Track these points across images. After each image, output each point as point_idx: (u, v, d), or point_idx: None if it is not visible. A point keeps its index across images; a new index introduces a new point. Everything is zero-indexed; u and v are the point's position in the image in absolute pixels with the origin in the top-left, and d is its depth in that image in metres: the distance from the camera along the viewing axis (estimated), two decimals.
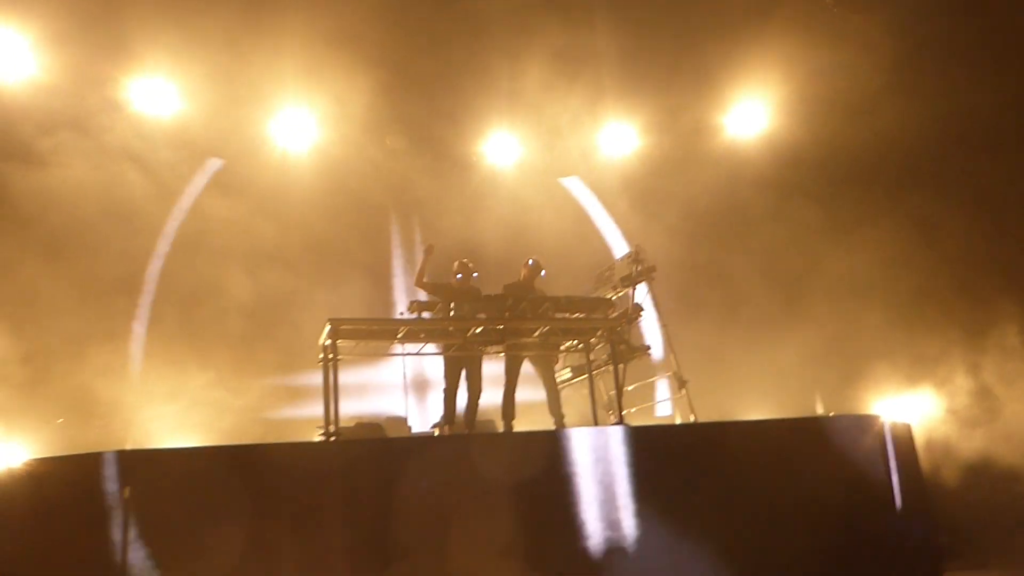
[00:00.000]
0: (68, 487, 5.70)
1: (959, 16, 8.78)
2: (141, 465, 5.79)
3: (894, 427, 7.80)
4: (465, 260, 8.20)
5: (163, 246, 10.13)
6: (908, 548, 7.29)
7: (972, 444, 8.42)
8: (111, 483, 5.62)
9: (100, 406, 8.50)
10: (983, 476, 8.23)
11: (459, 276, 8.04)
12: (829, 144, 9.96)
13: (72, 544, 5.54)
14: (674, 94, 11.60)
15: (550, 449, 6.54)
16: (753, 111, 11.65)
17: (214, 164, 10.63)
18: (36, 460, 6.10)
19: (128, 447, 7.91)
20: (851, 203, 9.50)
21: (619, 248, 11.70)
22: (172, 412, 8.88)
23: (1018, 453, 8.13)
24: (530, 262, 8.30)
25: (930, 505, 7.83)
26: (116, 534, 5.49)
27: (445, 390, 7.86)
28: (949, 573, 7.61)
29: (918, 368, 8.83)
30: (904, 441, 7.87)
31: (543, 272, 8.31)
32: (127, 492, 5.63)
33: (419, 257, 8.32)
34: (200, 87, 10.20)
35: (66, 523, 5.61)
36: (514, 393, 7.98)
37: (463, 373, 7.81)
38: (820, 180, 9.98)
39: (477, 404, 7.80)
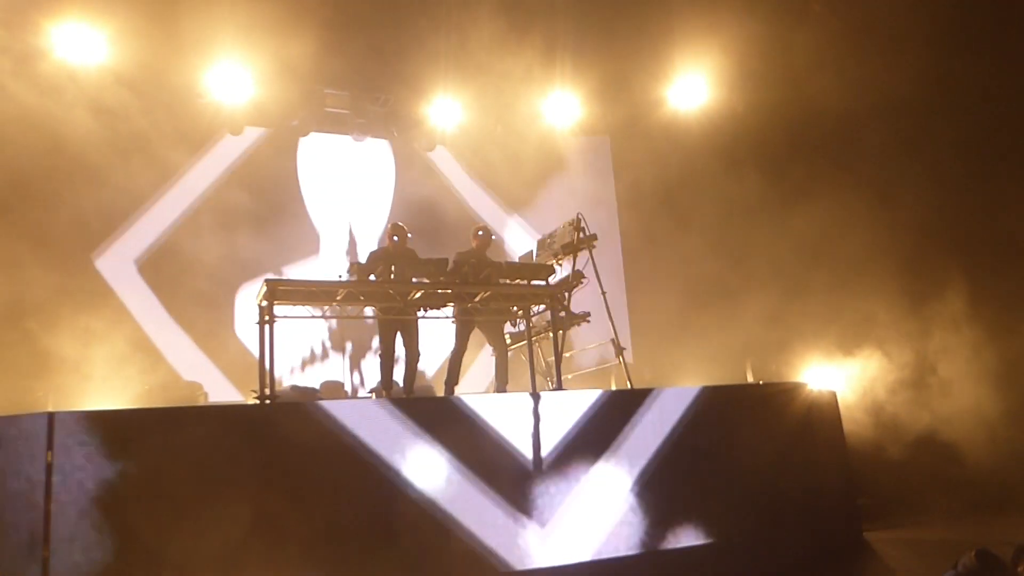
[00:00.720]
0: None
1: None
2: (72, 427, 5.57)
3: (819, 394, 8.11)
4: (398, 222, 8.12)
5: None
6: (827, 509, 7.65)
7: (898, 411, 8.79)
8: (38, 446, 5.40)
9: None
10: (905, 441, 8.61)
11: (394, 238, 7.93)
12: (770, 117, 10.11)
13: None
14: (617, 65, 11.62)
15: (491, 413, 6.58)
16: (695, 84, 11.79)
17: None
18: None
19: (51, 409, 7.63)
20: (795, 173, 9.66)
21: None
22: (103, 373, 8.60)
23: (941, 420, 8.53)
24: (479, 232, 8.26)
25: (850, 469, 8.17)
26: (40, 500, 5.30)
27: (381, 355, 7.80)
28: (867, 532, 8.00)
29: (852, 336, 9.13)
30: (828, 408, 8.19)
31: (493, 238, 8.30)
32: (50, 456, 5.43)
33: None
34: (130, 37, 9.73)
35: None
36: (461, 359, 7.99)
37: (398, 337, 7.78)
38: (763, 152, 10.14)
39: (415, 369, 7.78)
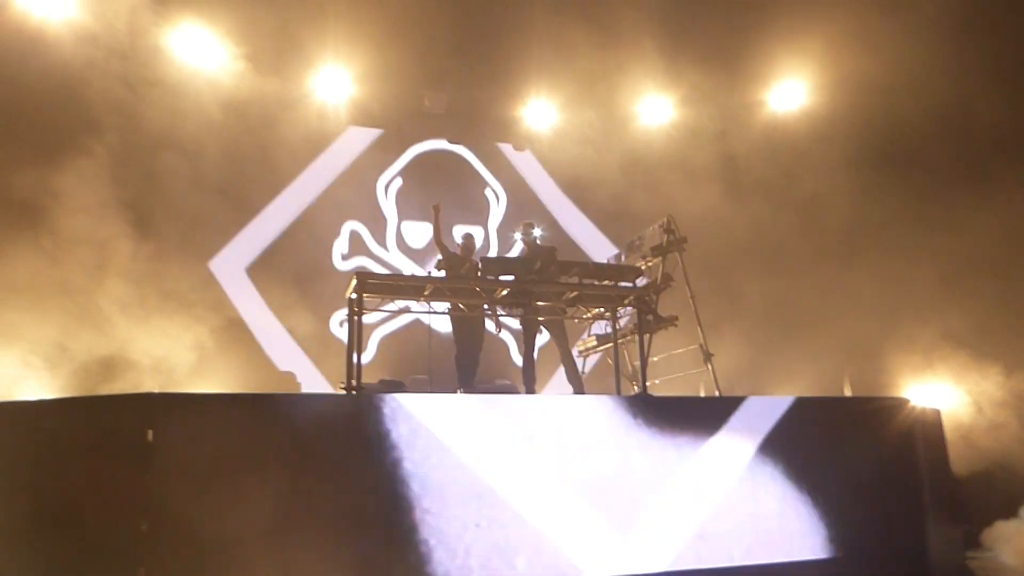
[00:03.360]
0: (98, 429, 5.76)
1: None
2: (168, 409, 5.84)
3: (923, 412, 7.66)
4: (470, 233, 8.38)
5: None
6: (929, 533, 7.21)
7: (996, 435, 8.24)
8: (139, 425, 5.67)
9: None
10: (1002, 468, 8.06)
11: (462, 246, 8.24)
12: (871, 123, 9.69)
13: (104, 485, 5.61)
14: (715, 69, 11.39)
15: (571, 414, 6.51)
16: (793, 89, 11.51)
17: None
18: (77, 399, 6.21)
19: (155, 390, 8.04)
20: (893, 182, 9.23)
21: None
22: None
23: None
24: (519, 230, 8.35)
25: (955, 492, 7.69)
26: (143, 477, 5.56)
27: (457, 355, 7.87)
28: (971, 559, 7.52)
29: (962, 352, 8.62)
30: (932, 426, 7.73)
31: (536, 232, 8.34)
32: (151, 435, 5.69)
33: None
34: (240, 38, 10.17)
35: (100, 464, 5.67)
36: (533, 358, 7.98)
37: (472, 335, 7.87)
38: (863, 158, 9.73)
39: (477, 359, 7.89)
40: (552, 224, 11.89)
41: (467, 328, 7.88)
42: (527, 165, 12.41)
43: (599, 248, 12.10)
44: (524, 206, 11.92)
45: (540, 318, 7.97)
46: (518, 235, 8.39)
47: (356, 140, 11.57)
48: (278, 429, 5.77)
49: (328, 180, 11.29)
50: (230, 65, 10.01)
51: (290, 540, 5.49)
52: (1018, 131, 8.65)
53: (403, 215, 11.54)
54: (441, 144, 12.03)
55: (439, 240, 8.13)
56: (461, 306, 7.61)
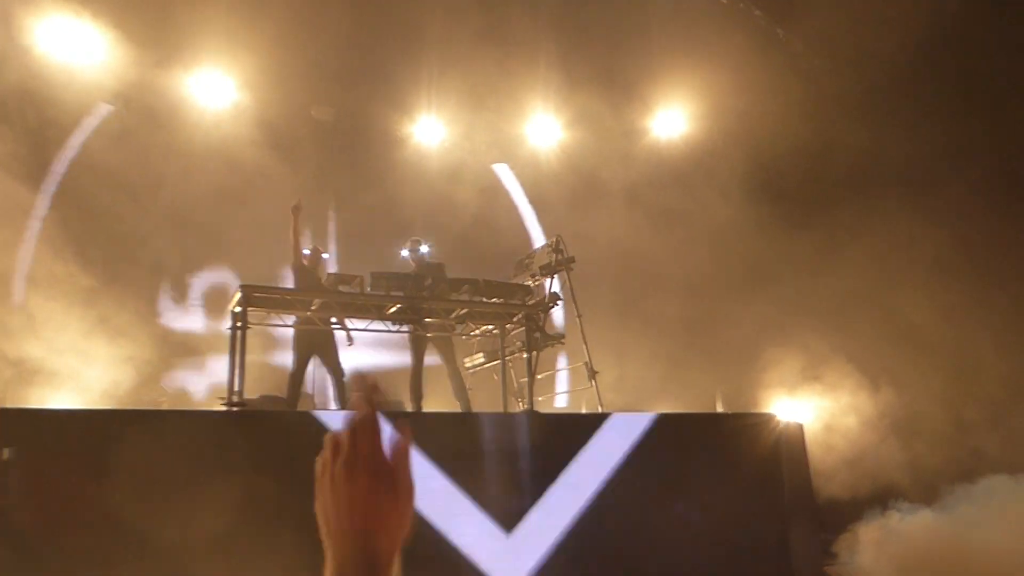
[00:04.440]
0: None
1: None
2: (23, 425, 5.45)
3: (787, 427, 8.17)
4: (316, 245, 8.17)
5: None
6: (794, 545, 7.67)
7: (858, 443, 8.86)
8: None
9: None
10: (863, 475, 8.67)
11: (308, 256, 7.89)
12: (746, 153, 10.28)
13: None
14: (601, 93, 11.77)
15: (460, 431, 6.54)
16: (675, 117, 12.06)
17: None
18: None
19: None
20: (770, 208, 9.80)
21: (539, 238, 11.85)
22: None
23: (895, 453, 8.62)
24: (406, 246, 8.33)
25: (816, 505, 8.22)
26: None
27: (292, 373, 7.50)
28: (829, 568, 8.03)
29: (820, 368, 9.22)
30: (795, 441, 8.25)
31: (423, 249, 8.32)
32: (6, 453, 5.32)
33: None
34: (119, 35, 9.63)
35: None
36: (420, 374, 7.96)
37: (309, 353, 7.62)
38: (741, 182, 10.29)
39: (343, 382, 7.64)
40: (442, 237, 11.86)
41: (303, 342, 7.65)
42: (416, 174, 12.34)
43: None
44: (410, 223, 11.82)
45: (428, 334, 7.96)
46: (405, 252, 8.36)
47: None
48: (133, 446, 5.49)
49: None
50: (106, 60, 9.46)
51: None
52: (886, 159, 9.35)
53: None
54: None
55: (295, 244, 7.73)
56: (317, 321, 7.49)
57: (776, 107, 9.51)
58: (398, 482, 1.03)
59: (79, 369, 8.18)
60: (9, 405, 7.34)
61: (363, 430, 1.04)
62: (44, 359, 7.98)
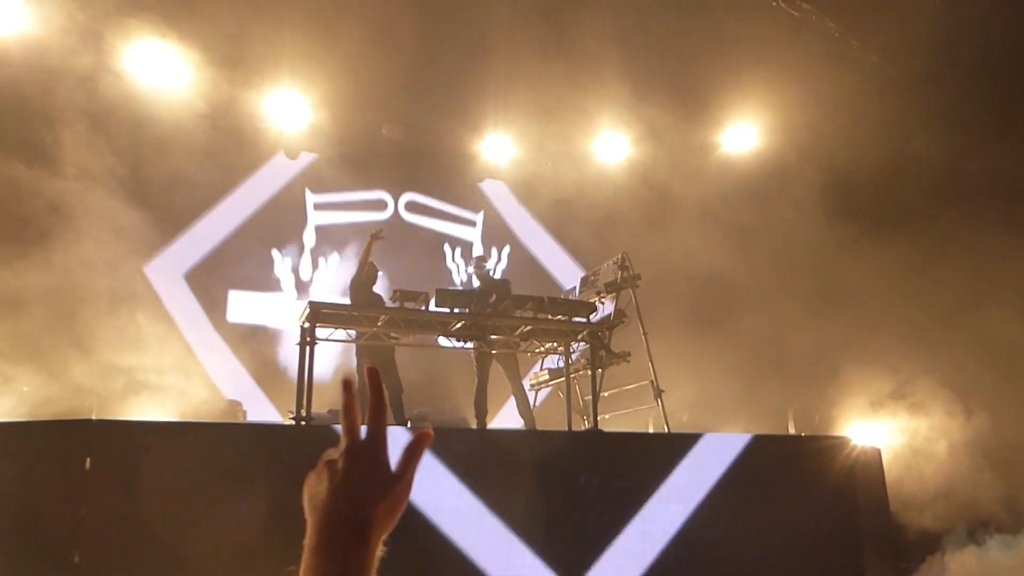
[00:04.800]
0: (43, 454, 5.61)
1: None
2: (107, 436, 5.71)
3: (864, 452, 7.87)
4: (372, 262, 8.19)
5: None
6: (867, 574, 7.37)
7: (937, 472, 8.45)
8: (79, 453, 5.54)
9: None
10: (950, 504, 8.27)
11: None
12: (821, 168, 10.00)
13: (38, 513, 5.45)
14: (671, 107, 11.64)
15: (524, 449, 6.54)
16: (746, 132, 11.82)
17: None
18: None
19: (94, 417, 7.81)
20: (847, 224, 9.50)
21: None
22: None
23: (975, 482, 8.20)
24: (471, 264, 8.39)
25: (894, 533, 7.88)
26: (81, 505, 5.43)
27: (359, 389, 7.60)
28: None
29: (906, 389, 8.84)
30: (873, 466, 7.94)
31: (487, 268, 8.35)
32: (88, 464, 5.57)
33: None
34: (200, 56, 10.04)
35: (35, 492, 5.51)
36: (485, 391, 7.98)
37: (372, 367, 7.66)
38: (814, 200, 10.01)
39: (400, 400, 7.70)
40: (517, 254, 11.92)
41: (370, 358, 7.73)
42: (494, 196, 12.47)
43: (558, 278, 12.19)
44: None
45: (493, 351, 7.99)
46: (471, 270, 8.42)
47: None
48: (218, 458, 5.68)
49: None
50: (190, 82, 9.89)
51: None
52: (971, 173, 8.97)
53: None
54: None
55: (364, 263, 7.92)
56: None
57: (851, 121, 9.23)
58: (401, 471, 1.04)
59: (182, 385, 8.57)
60: (110, 417, 7.71)
61: (370, 413, 1.06)
62: (149, 374, 8.40)
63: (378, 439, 1.05)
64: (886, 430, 8.84)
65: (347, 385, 1.07)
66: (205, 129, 10.04)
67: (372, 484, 1.02)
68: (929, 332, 8.57)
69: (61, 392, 8.20)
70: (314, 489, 1.02)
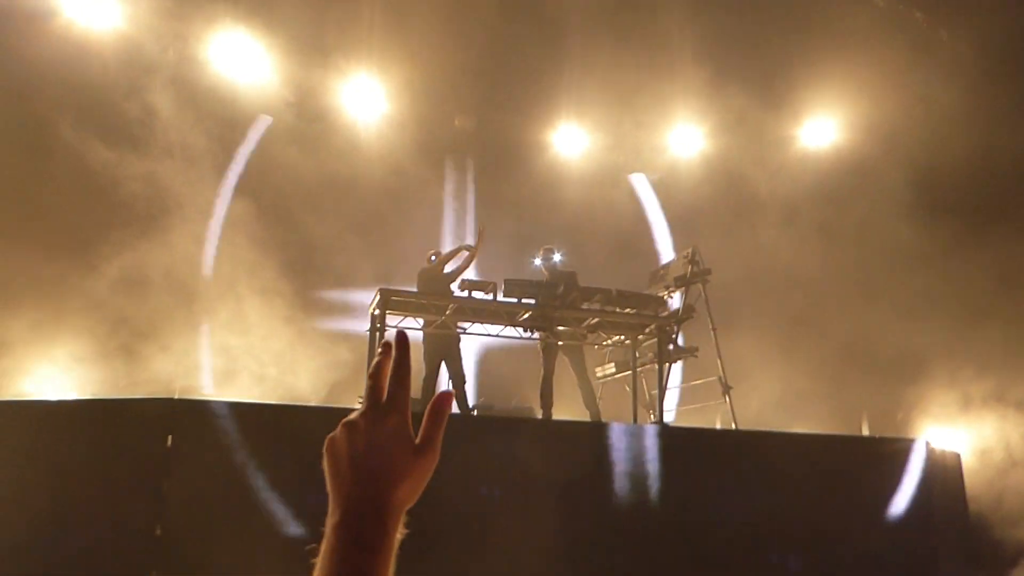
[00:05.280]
0: (127, 430, 5.89)
1: None
2: (189, 415, 5.96)
3: (942, 456, 7.59)
4: (437, 250, 8.38)
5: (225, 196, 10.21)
6: None
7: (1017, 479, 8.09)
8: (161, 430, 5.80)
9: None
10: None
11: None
12: (901, 165, 9.64)
13: (121, 488, 5.73)
14: (748, 99, 11.40)
15: (589, 441, 6.56)
16: (826, 126, 11.45)
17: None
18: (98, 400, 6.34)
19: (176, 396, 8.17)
20: (925, 224, 9.14)
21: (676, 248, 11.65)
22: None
23: None
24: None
25: (972, 541, 7.60)
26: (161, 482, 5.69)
27: (426, 376, 7.74)
28: None
29: (977, 395, 8.49)
30: (951, 471, 7.66)
31: (556, 258, 8.30)
32: (170, 441, 5.81)
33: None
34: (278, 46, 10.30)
35: (118, 467, 5.79)
36: (551, 380, 8.00)
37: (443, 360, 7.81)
38: (892, 199, 9.67)
39: (464, 390, 7.79)
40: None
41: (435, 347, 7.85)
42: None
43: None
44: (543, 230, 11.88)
45: (559, 342, 8.01)
46: (538, 260, 8.39)
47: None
48: (292, 438, 5.87)
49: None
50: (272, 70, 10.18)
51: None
52: None
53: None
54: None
55: (472, 258, 8.16)
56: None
57: (939, 114, 8.86)
58: (426, 439, 1.01)
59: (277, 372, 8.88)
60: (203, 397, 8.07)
61: (393, 376, 1.03)
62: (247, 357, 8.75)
63: (398, 401, 1.02)
64: (970, 435, 8.50)
65: (386, 347, 1.05)
66: (292, 117, 10.34)
67: (393, 455, 0.98)
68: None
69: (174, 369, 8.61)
70: (336, 452, 1.00)
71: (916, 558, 7.01)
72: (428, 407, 1.03)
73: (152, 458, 5.66)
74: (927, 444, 7.56)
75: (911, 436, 8.38)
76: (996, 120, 8.66)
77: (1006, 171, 8.98)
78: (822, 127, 11.52)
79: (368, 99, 10.84)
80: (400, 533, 0.98)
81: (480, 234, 8.16)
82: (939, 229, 9.07)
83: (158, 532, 5.53)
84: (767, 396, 9.38)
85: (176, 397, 6.69)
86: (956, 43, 9.18)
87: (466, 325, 7.86)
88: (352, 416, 1.02)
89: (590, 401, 8.13)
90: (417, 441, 1.01)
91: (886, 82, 9.50)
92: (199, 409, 6.16)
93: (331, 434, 1.02)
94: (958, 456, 7.80)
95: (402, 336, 1.06)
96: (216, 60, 9.96)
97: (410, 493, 0.99)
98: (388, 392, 1.03)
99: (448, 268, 8.13)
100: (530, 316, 7.45)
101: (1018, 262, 8.35)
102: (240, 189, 9.96)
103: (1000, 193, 9.20)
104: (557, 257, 8.37)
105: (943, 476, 7.51)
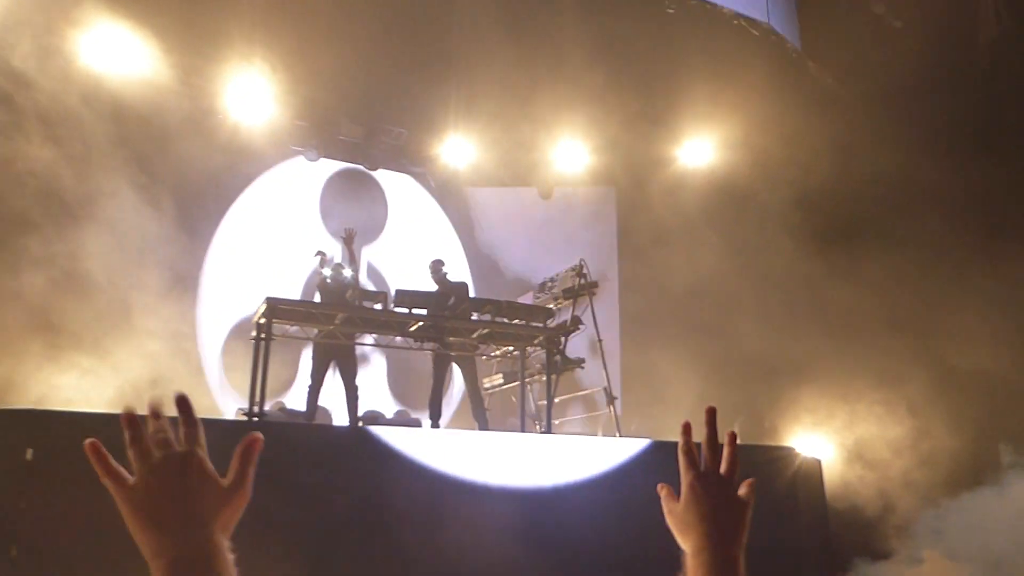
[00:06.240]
0: None
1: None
2: (52, 427, 5.54)
3: (805, 462, 8.08)
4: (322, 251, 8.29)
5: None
6: None
7: (872, 483, 8.67)
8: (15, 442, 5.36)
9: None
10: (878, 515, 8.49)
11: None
12: (777, 182, 10.22)
13: None
14: (628, 121, 11.77)
15: (475, 451, 6.55)
16: (703, 146, 11.96)
17: None
18: None
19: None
20: (799, 237, 9.72)
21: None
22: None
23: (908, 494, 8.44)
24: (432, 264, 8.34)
25: (831, 544, 8.09)
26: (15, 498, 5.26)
27: (311, 386, 7.63)
28: None
29: (841, 400, 9.05)
30: (813, 478, 8.15)
31: (445, 271, 8.31)
32: (29, 454, 5.39)
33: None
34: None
35: None
36: (440, 392, 7.97)
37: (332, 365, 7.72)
38: (764, 215, 10.23)
39: (356, 400, 7.67)
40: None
41: (323, 355, 7.72)
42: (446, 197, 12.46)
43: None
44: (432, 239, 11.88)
45: (452, 353, 7.99)
46: (429, 271, 8.36)
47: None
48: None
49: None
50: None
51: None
52: (924, 193, 9.27)
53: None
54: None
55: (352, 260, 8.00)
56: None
57: (807, 139, 9.47)
58: (236, 479, 1.06)
59: None
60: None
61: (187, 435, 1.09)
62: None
63: (192, 453, 1.07)
64: (829, 441, 9.05)
65: (152, 413, 1.10)
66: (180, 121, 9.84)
67: (201, 497, 1.04)
68: (881, 347, 8.78)
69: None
70: (138, 498, 1.05)
71: (786, 564, 7.40)
72: (239, 447, 1.07)
73: (10, 473, 5.21)
74: (795, 451, 8.04)
75: (779, 443, 8.87)
76: (855, 145, 9.33)
77: (864, 195, 9.64)
78: (699, 147, 11.99)
79: (254, 100, 10.44)
80: (231, 554, 1.03)
81: (348, 239, 7.99)
82: (808, 245, 9.65)
83: (13, 553, 5.09)
84: (653, 406, 9.68)
85: (35, 408, 6.20)
86: (823, 74, 9.88)
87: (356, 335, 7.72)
88: (156, 463, 1.06)
89: (479, 412, 8.15)
90: (228, 481, 1.06)
91: (758, 105, 10.05)
92: (60, 420, 5.73)
93: (131, 483, 1.05)
94: (819, 462, 8.31)
95: (181, 400, 1.10)
96: (89, 53, 9.32)
97: (227, 523, 1.05)
98: (185, 439, 1.08)
99: (326, 272, 7.98)
100: (421, 327, 7.39)
101: (878, 279, 8.95)
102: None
103: (862, 216, 9.87)
104: (447, 270, 8.37)
105: (807, 482, 7.99)
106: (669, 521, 1.31)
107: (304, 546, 5.61)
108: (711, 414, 1.28)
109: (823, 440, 9.04)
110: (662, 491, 1.34)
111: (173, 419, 1.12)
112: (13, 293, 8.04)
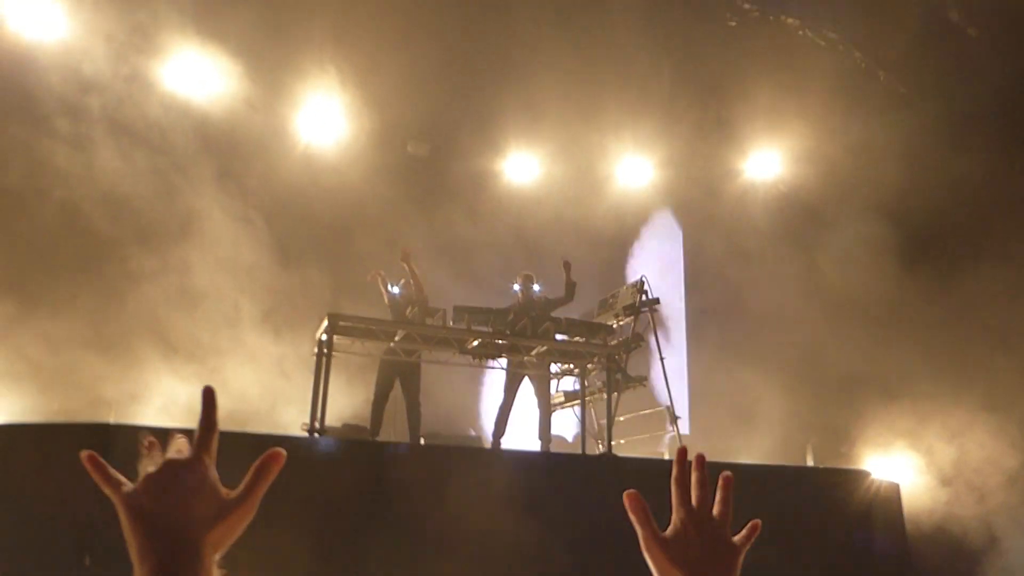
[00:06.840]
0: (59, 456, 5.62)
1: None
2: (126, 440, 5.73)
3: (882, 487, 7.72)
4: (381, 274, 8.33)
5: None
6: None
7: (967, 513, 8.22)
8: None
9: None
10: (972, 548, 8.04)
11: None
12: (851, 196, 9.88)
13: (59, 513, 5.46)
14: (694, 134, 11.61)
15: (535, 470, 6.50)
16: (770, 159, 11.68)
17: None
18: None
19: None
20: (877, 251, 9.33)
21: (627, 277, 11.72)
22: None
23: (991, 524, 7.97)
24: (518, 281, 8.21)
25: (911, 570, 7.70)
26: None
27: (374, 401, 7.69)
28: None
29: (920, 426, 8.63)
30: (891, 501, 7.78)
31: (536, 287, 8.19)
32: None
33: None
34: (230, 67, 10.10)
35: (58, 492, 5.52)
36: (507, 410, 7.91)
37: (396, 382, 7.73)
38: (837, 228, 9.89)
39: (419, 417, 7.66)
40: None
41: (387, 371, 7.77)
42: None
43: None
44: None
45: (527, 372, 7.93)
46: (517, 286, 8.22)
47: None
48: (227, 466, 5.66)
49: None
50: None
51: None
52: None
53: None
54: None
55: (417, 283, 7.96)
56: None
57: (879, 149, 9.14)
58: (245, 491, 1.02)
59: None
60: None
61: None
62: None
63: (198, 460, 1.03)
64: (919, 466, 8.58)
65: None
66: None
67: (197, 507, 1.00)
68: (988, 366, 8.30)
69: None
70: (135, 503, 1.00)
71: None
72: (257, 461, 1.03)
73: (86, 484, 5.40)
74: (869, 475, 7.69)
75: (855, 467, 8.50)
76: (934, 159, 8.92)
77: (945, 208, 9.21)
78: (767, 160, 11.71)
79: (324, 120, 10.69)
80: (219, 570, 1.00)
81: (403, 256, 7.94)
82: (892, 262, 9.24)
83: (87, 563, 5.28)
84: (720, 425, 9.43)
85: (111, 422, 6.45)
86: (893, 83, 9.52)
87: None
88: (149, 467, 1.03)
89: (545, 431, 8.06)
90: (233, 493, 1.01)
91: (828, 116, 9.76)
92: (134, 434, 5.92)
93: (128, 489, 1.01)
94: (897, 487, 7.93)
95: (207, 392, 1.06)
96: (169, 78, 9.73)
97: (220, 540, 1.01)
98: (196, 443, 1.04)
99: (396, 292, 8.07)
100: (479, 344, 7.39)
101: (974, 295, 8.51)
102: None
103: (945, 229, 9.44)
104: (537, 287, 8.18)
105: (885, 507, 7.63)
106: (647, 552, 1.17)
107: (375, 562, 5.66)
108: (683, 454, 1.17)
109: (910, 464, 8.61)
110: (635, 506, 1.19)
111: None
112: (132, 308, 8.44)
